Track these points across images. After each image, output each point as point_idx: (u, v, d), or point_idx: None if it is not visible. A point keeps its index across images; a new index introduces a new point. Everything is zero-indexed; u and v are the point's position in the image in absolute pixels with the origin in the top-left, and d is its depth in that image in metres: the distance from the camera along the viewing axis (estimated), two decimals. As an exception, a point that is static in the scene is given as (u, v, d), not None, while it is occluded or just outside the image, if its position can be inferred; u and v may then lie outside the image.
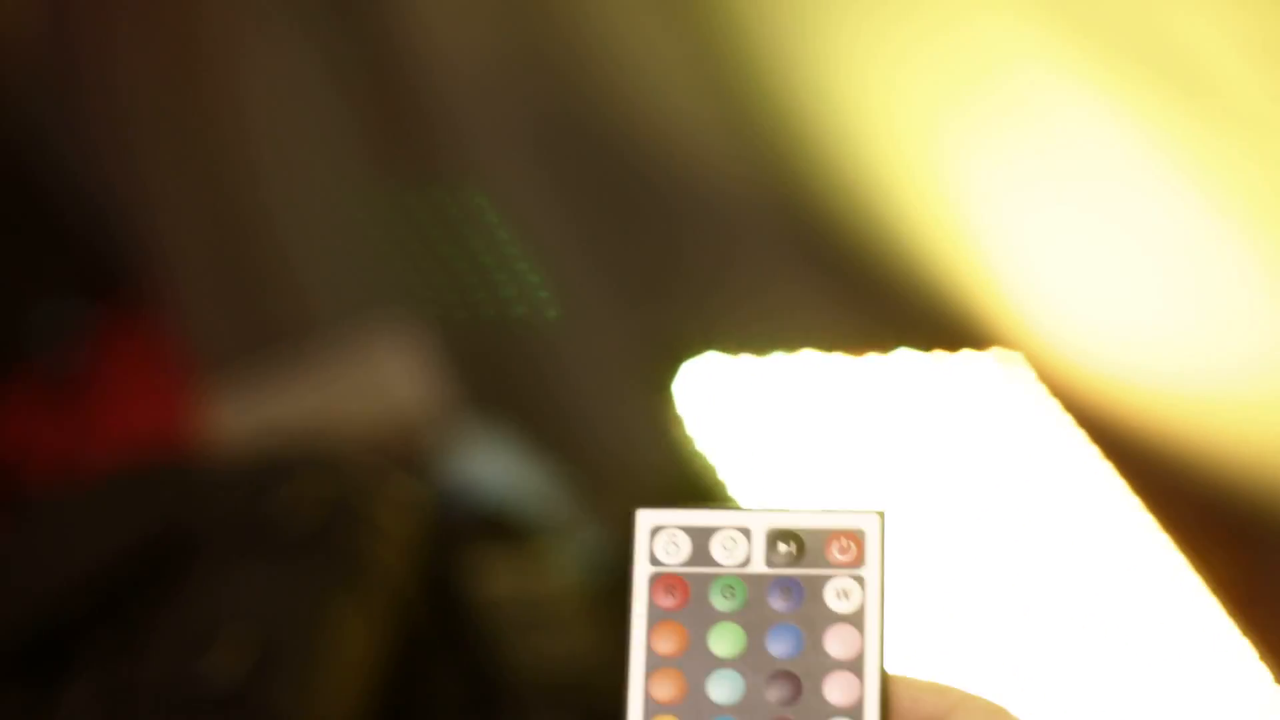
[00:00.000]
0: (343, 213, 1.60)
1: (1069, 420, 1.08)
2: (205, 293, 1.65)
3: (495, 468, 1.33)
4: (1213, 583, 0.91)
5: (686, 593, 0.53)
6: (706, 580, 0.53)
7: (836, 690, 0.52)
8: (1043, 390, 1.11)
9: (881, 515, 0.54)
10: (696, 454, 1.18)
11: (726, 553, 0.54)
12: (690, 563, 0.54)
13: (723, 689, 0.52)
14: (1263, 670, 0.84)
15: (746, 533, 0.54)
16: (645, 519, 0.54)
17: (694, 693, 0.52)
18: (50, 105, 1.69)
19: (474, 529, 1.24)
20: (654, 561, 0.54)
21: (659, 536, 0.54)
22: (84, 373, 1.65)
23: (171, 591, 1.13)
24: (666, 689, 0.52)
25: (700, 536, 0.54)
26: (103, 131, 1.68)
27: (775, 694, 0.52)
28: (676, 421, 1.19)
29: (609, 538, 1.31)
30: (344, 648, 1.10)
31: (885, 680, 0.52)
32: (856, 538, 0.54)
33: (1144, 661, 0.91)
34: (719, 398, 1.19)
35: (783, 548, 0.54)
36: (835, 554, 0.54)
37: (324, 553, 1.13)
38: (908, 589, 1.00)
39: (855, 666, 0.52)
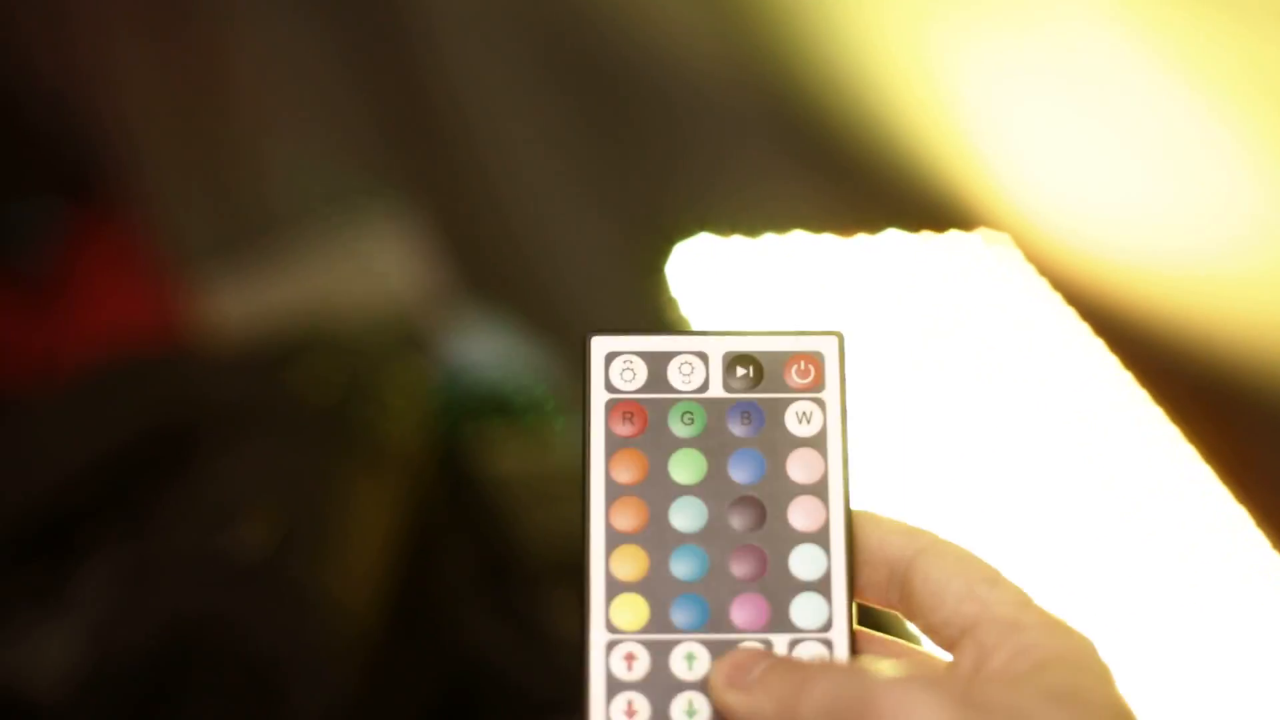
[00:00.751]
0: (326, 102, 1.59)
1: (1058, 299, 1.10)
2: (187, 188, 1.64)
3: (492, 350, 1.34)
4: (1207, 453, 0.93)
5: (645, 419, 0.53)
6: (665, 406, 0.53)
7: (801, 515, 0.52)
8: (1031, 269, 1.13)
9: (840, 336, 0.54)
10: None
11: (684, 378, 0.53)
12: (647, 389, 0.53)
13: (685, 516, 0.52)
14: (1259, 537, 0.87)
15: (704, 357, 0.53)
16: (600, 345, 0.54)
17: (656, 520, 0.52)
18: (23, 9, 1.66)
19: (478, 408, 1.25)
20: (610, 388, 0.53)
21: (614, 363, 0.53)
22: (60, 271, 1.64)
23: (183, 472, 1.14)
24: (628, 518, 0.52)
25: (657, 362, 0.53)
26: (76, 31, 1.65)
27: (739, 520, 0.52)
28: (670, 302, 1.20)
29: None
30: (361, 523, 1.11)
31: (849, 504, 0.52)
32: (815, 360, 0.53)
33: (1141, 531, 0.93)
34: (711, 278, 1.20)
35: (740, 371, 0.53)
36: (794, 377, 0.53)
37: (338, 430, 1.14)
38: (896, 463, 1.02)
39: (819, 491, 0.52)
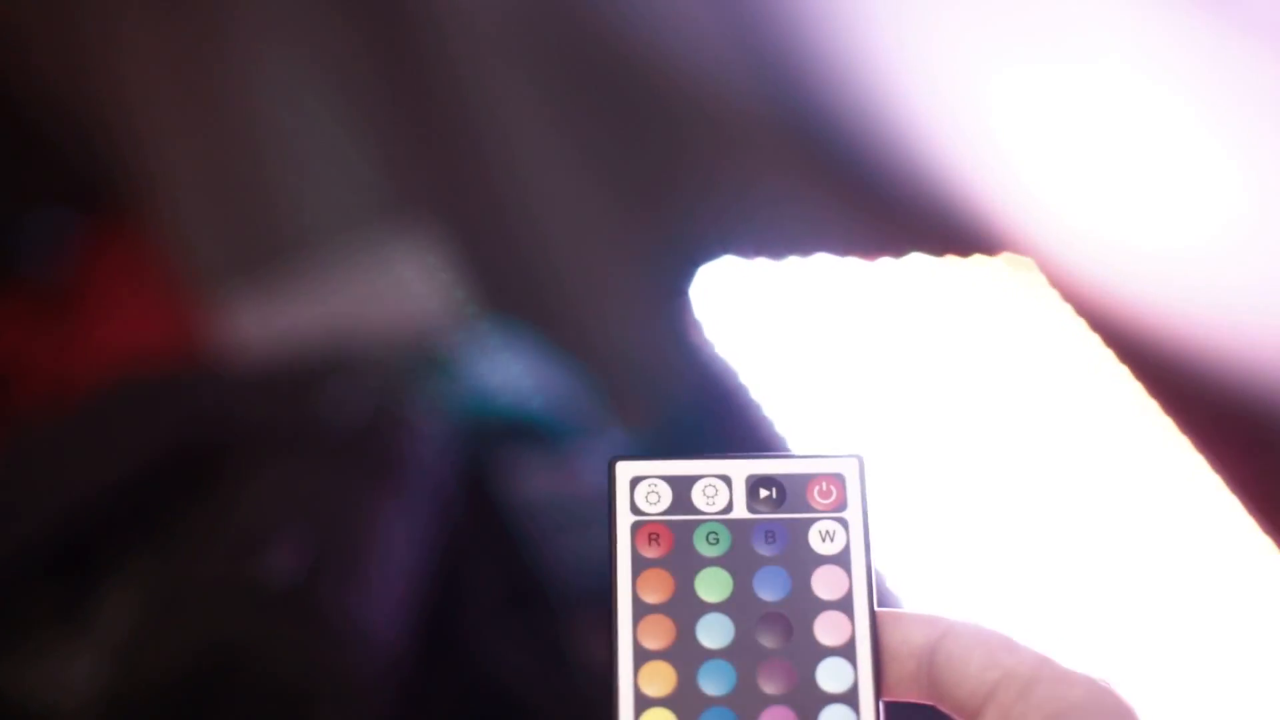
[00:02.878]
0: (349, 122, 1.60)
1: (1081, 324, 1.11)
2: (206, 206, 1.64)
3: (516, 372, 1.34)
4: (1233, 483, 0.93)
5: (670, 540, 0.53)
6: (690, 527, 0.53)
7: (827, 630, 0.52)
8: (1054, 295, 1.14)
9: (860, 459, 0.54)
10: (714, 357, 1.20)
11: (708, 500, 0.53)
12: (672, 511, 0.53)
13: (713, 633, 0.52)
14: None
15: (727, 480, 0.54)
16: (624, 470, 0.54)
17: (684, 637, 0.52)
18: (38, 19, 1.66)
19: (503, 431, 1.25)
20: (635, 510, 0.53)
21: (639, 487, 0.54)
22: (78, 287, 1.64)
23: (208, 495, 1.14)
24: (656, 636, 0.52)
25: (681, 485, 0.54)
26: (93, 44, 1.66)
27: (766, 636, 0.52)
28: (694, 325, 1.20)
29: (633, 440, 1.32)
30: (387, 548, 1.11)
31: (875, 618, 0.52)
32: (837, 481, 0.54)
33: (1166, 561, 0.93)
34: (735, 301, 1.20)
35: (763, 493, 0.54)
36: (816, 498, 0.54)
37: (367, 453, 1.14)
38: (923, 489, 1.02)
39: (844, 606, 0.52)
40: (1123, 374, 1.05)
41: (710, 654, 0.52)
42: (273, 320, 1.51)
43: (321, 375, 1.19)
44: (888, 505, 0.99)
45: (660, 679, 0.52)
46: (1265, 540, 0.89)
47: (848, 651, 0.52)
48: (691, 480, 0.54)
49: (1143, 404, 1.02)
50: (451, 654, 1.14)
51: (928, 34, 1.23)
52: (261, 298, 1.55)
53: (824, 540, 0.53)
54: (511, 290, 1.54)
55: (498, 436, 1.24)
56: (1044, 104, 1.16)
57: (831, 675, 0.52)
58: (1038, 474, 1.01)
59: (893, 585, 0.94)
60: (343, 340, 1.31)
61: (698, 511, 0.54)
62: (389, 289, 1.51)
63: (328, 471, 1.13)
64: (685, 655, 0.52)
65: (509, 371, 1.33)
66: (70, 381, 1.56)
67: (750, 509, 0.54)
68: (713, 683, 0.52)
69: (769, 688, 0.52)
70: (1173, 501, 0.96)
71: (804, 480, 0.54)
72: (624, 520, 0.53)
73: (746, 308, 1.19)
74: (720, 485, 0.54)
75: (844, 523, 0.54)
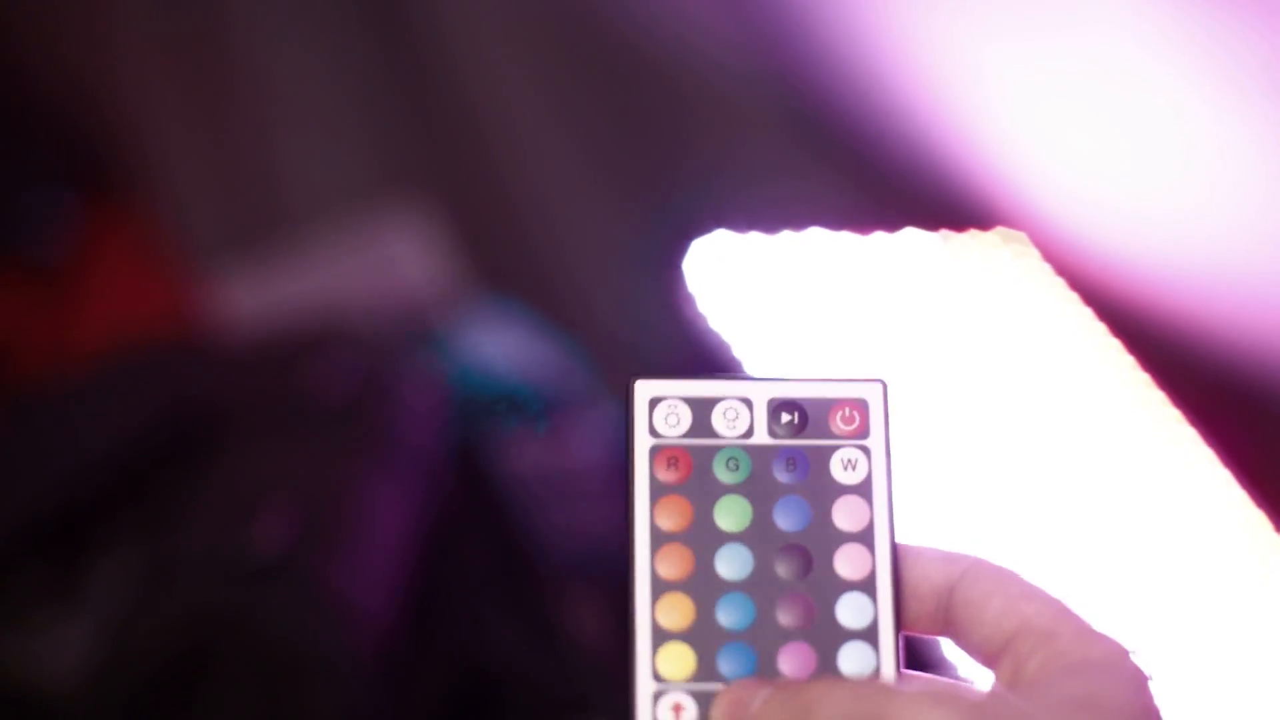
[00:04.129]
0: (342, 96, 1.59)
1: (1075, 298, 1.10)
2: (201, 180, 1.64)
3: (508, 346, 1.33)
4: (1226, 455, 0.93)
5: (689, 465, 0.52)
6: (709, 452, 0.52)
7: (847, 563, 0.51)
8: (1048, 269, 1.13)
9: (884, 384, 0.53)
10: (707, 331, 1.19)
11: (728, 424, 0.52)
12: (691, 434, 0.52)
13: (731, 564, 0.51)
14: (1279, 540, 0.87)
15: (748, 403, 0.53)
16: (644, 390, 0.53)
17: (702, 568, 0.51)
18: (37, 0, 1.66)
19: (494, 405, 1.24)
20: (654, 433, 0.52)
21: (658, 408, 0.52)
22: (73, 263, 1.63)
23: (200, 467, 1.13)
24: (673, 565, 0.51)
25: (701, 408, 0.52)
26: (89, 21, 1.65)
27: (785, 568, 0.51)
28: (687, 299, 1.20)
29: (626, 414, 1.32)
30: (378, 520, 1.11)
31: (895, 550, 0.51)
32: (860, 407, 0.53)
33: (1158, 534, 0.93)
34: (728, 275, 1.20)
35: (785, 418, 0.52)
36: (839, 424, 0.53)
37: (356, 426, 1.13)
38: (916, 465, 1.02)
39: (865, 538, 0.51)
40: (1116, 348, 1.05)
41: (729, 586, 0.51)
42: (266, 295, 1.50)
43: (312, 349, 1.18)
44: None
45: (678, 611, 0.51)
46: (1258, 513, 0.89)
47: (868, 586, 0.51)
48: (712, 402, 0.53)
49: (1136, 378, 1.02)
50: (440, 627, 1.14)
51: (921, 6, 1.23)
52: (255, 272, 1.55)
53: (846, 469, 0.52)
54: (504, 264, 1.54)
55: (488, 410, 1.24)
56: (1038, 76, 1.15)
57: (851, 611, 0.51)
58: (1032, 450, 1.01)
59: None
60: (334, 314, 1.30)
61: (718, 436, 0.52)
62: (381, 264, 1.50)
63: (317, 445, 1.13)
64: (703, 587, 0.51)
65: (501, 345, 1.33)
66: (65, 358, 1.55)
67: (771, 434, 0.53)
68: (731, 616, 0.51)
69: (788, 623, 0.51)
70: (1167, 475, 0.95)
71: (827, 405, 0.53)
72: (642, 443, 0.52)
73: (740, 282, 1.19)
74: (741, 408, 0.53)
75: (866, 450, 0.53)
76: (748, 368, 1.15)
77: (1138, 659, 0.48)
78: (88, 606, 1.12)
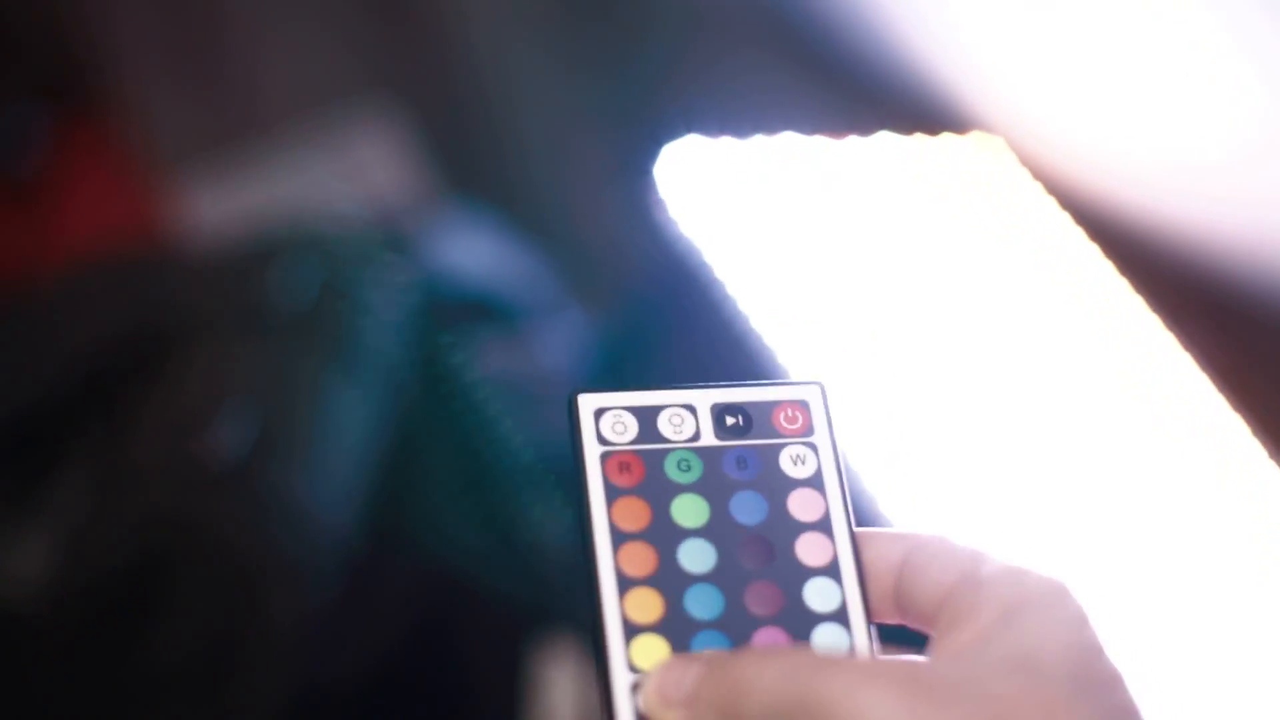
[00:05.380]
0: (310, 3, 1.57)
1: (1052, 202, 1.09)
2: (169, 90, 1.62)
3: (477, 252, 1.32)
4: (1203, 360, 0.92)
5: (642, 469, 0.53)
6: (660, 455, 0.53)
7: (809, 552, 0.52)
8: (1025, 173, 1.12)
9: (821, 386, 0.54)
10: (678, 236, 1.18)
11: (675, 429, 0.53)
12: (640, 440, 0.53)
13: (696, 558, 0.52)
14: (1257, 446, 0.86)
15: (692, 409, 0.54)
16: (587, 403, 0.53)
17: (666, 563, 0.51)
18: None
19: (461, 311, 1.23)
20: (603, 441, 0.53)
21: (604, 418, 0.53)
22: (40, 174, 1.62)
23: (161, 375, 1.12)
24: (637, 563, 0.51)
25: (646, 415, 0.53)
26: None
27: (749, 559, 0.52)
28: (657, 204, 1.19)
29: (595, 320, 1.31)
30: (341, 426, 1.10)
31: (854, 536, 0.52)
32: (801, 408, 0.54)
33: (1134, 439, 0.92)
34: (700, 180, 1.19)
35: (730, 420, 0.54)
36: (783, 423, 0.54)
37: (316, 333, 1.12)
38: (885, 371, 1.01)
39: (824, 527, 0.52)
40: (1094, 252, 1.04)
41: (695, 578, 0.51)
42: (234, 203, 1.49)
43: (275, 256, 1.17)
44: (859, 413, 0.98)
45: (647, 605, 0.51)
46: (1235, 417, 0.88)
47: (832, 571, 0.52)
48: (656, 410, 0.54)
49: (1114, 282, 1.01)
50: (403, 535, 1.13)
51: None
52: (224, 181, 1.53)
53: (795, 464, 0.53)
54: (472, 170, 1.52)
55: (455, 316, 1.22)
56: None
57: (819, 595, 0.51)
58: (1007, 353, 1.00)
59: (876, 507, 0.93)
60: (300, 222, 1.28)
61: (666, 440, 0.53)
62: (350, 170, 1.49)
63: (278, 352, 1.11)
64: (670, 580, 0.51)
65: (468, 252, 1.31)
66: (35, 270, 1.54)
67: (719, 436, 0.53)
68: (701, 606, 0.51)
69: (758, 609, 0.51)
70: (1143, 380, 0.94)
71: (769, 407, 0.54)
72: (592, 451, 0.53)
73: (711, 187, 1.17)
74: (686, 414, 0.54)
75: (813, 447, 0.53)
76: (720, 277, 1.14)
77: (1076, 593, 0.47)
78: (48, 515, 1.10)
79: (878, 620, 0.51)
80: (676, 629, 0.50)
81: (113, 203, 1.63)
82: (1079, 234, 1.05)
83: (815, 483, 0.53)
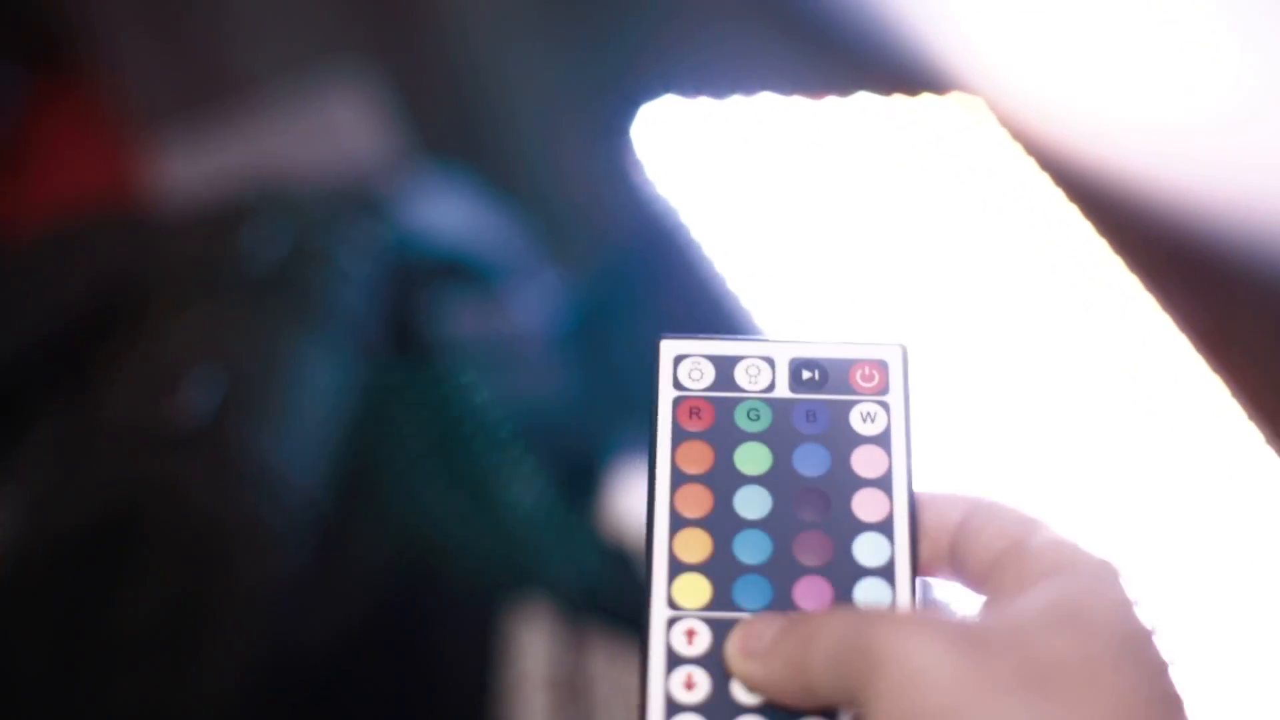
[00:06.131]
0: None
1: (1032, 164, 1.08)
2: (145, 49, 1.60)
3: (453, 212, 1.31)
4: (1183, 322, 0.92)
5: (712, 415, 0.54)
6: (731, 404, 0.54)
7: (865, 507, 0.53)
8: (1004, 134, 1.11)
9: (904, 348, 0.55)
10: (655, 197, 1.17)
11: (750, 379, 0.54)
12: (715, 388, 0.54)
13: (751, 504, 0.53)
14: (1235, 406, 0.86)
15: (770, 362, 0.55)
16: (669, 348, 0.55)
17: (721, 507, 0.53)
18: None
19: (434, 272, 1.22)
20: (678, 386, 0.54)
21: (682, 364, 0.55)
22: (20, 136, 1.61)
23: (129, 336, 1.11)
24: (693, 504, 0.53)
25: (724, 365, 0.55)
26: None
27: (804, 510, 0.53)
28: (634, 165, 1.18)
29: (570, 281, 1.30)
30: (310, 387, 1.09)
31: (913, 497, 0.53)
32: (879, 368, 0.55)
33: (1115, 401, 0.92)
34: (677, 140, 1.18)
35: (806, 375, 0.54)
36: (859, 381, 0.54)
37: (286, 293, 1.11)
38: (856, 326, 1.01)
39: (884, 484, 0.53)
40: (1073, 213, 1.03)
41: (747, 524, 0.52)
42: (208, 163, 1.48)
43: (247, 217, 1.16)
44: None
45: (696, 545, 0.52)
46: (1214, 378, 0.88)
47: (885, 528, 0.52)
48: (735, 360, 0.55)
49: (1093, 244, 1.01)
50: (374, 497, 1.13)
51: None
52: (197, 142, 1.52)
53: (865, 421, 0.54)
54: (448, 131, 1.51)
55: (429, 276, 1.21)
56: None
57: (868, 550, 0.52)
58: (985, 315, 1.00)
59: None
60: (272, 181, 1.27)
61: (740, 390, 0.54)
62: (324, 130, 1.48)
63: (247, 312, 1.11)
64: (722, 524, 0.52)
65: (443, 212, 1.30)
66: (7, 231, 1.53)
67: (792, 389, 0.54)
68: (748, 551, 0.52)
69: (805, 559, 0.52)
70: (1121, 341, 0.94)
71: (847, 365, 0.55)
72: (666, 394, 0.54)
73: (688, 148, 1.17)
74: (763, 366, 0.55)
75: (885, 405, 0.54)
76: (697, 237, 1.14)
77: (1126, 577, 0.48)
78: (16, 473, 1.09)
79: (932, 577, 0.52)
80: (720, 571, 0.52)
81: (86, 163, 1.62)
82: (1058, 195, 1.04)
83: (882, 440, 0.54)
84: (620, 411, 1.14)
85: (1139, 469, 0.89)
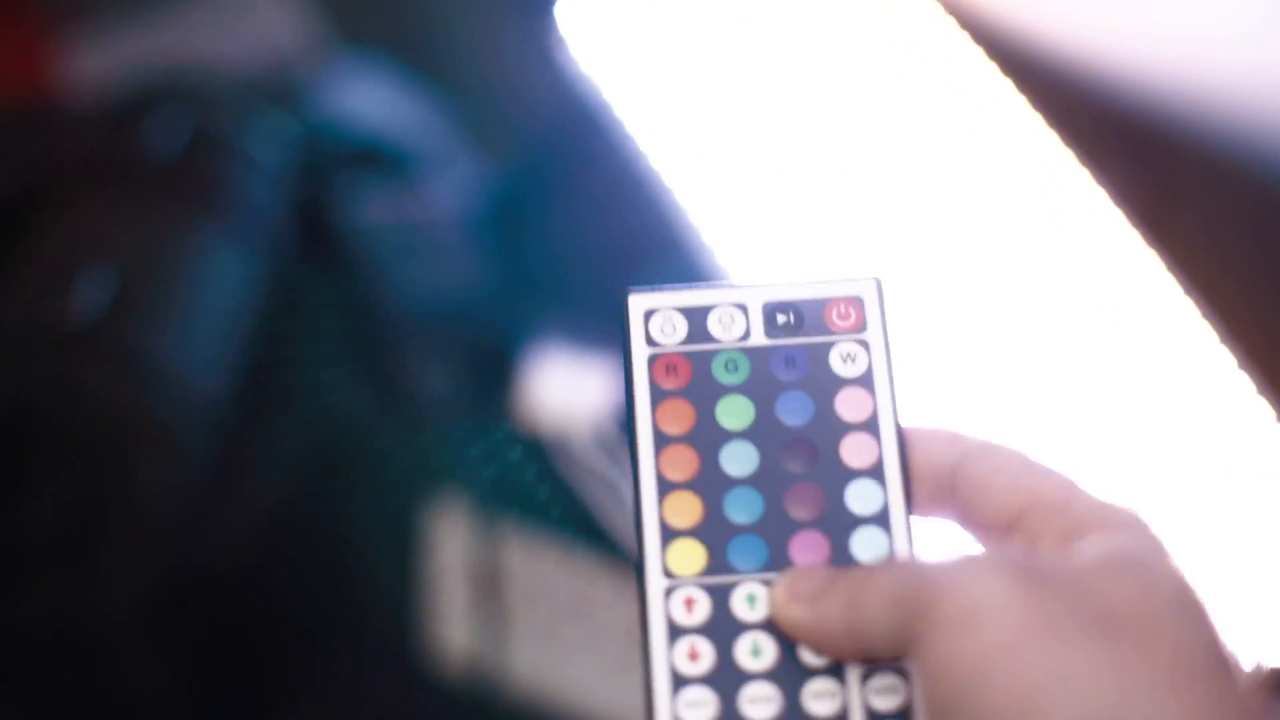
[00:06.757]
0: None
1: (966, 36, 1.06)
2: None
3: (371, 99, 1.28)
4: (1118, 196, 0.89)
5: (689, 370, 0.53)
6: (708, 357, 0.53)
7: (853, 452, 0.52)
8: (938, 6, 1.08)
9: (878, 281, 0.54)
10: (580, 78, 1.14)
11: (724, 329, 0.53)
12: (688, 341, 0.53)
13: (738, 461, 0.52)
14: (1170, 280, 0.84)
15: (743, 308, 0.54)
16: (638, 303, 0.54)
17: (708, 467, 0.52)
18: None
19: (350, 160, 1.19)
20: (651, 343, 0.53)
21: (654, 319, 0.53)
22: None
23: (25, 234, 1.08)
24: (679, 467, 0.52)
25: (696, 316, 0.54)
26: None
27: (792, 461, 0.52)
28: (558, 43, 1.14)
29: (488, 167, 1.27)
30: (213, 282, 1.06)
31: (901, 438, 0.52)
32: (855, 304, 0.54)
33: (1051, 279, 0.90)
34: (603, 18, 1.15)
35: (781, 319, 0.53)
36: (835, 320, 0.53)
37: (189, 185, 1.08)
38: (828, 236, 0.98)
39: (870, 427, 0.52)
40: (1006, 86, 1.00)
41: (736, 482, 0.52)
42: (122, 53, 1.44)
43: (150, 106, 1.12)
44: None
45: (686, 509, 0.51)
46: (1149, 252, 0.86)
47: (876, 473, 0.52)
48: (707, 310, 0.54)
49: (1028, 118, 0.98)
50: (284, 395, 1.10)
51: None
52: (112, 31, 1.48)
53: (845, 362, 0.53)
54: (363, 12, 1.48)
55: (343, 165, 1.18)
56: None
57: (861, 497, 0.51)
58: (917, 191, 0.98)
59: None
60: (181, 70, 1.23)
61: (715, 341, 0.53)
62: (241, 17, 1.44)
63: (147, 205, 1.07)
64: (710, 484, 0.52)
65: (358, 98, 1.27)
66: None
67: (769, 335, 0.53)
68: (740, 510, 0.51)
69: (798, 513, 0.51)
70: (1056, 217, 0.92)
71: (821, 304, 0.54)
72: (640, 353, 0.53)
73: (614, 25, 1.14)
74: (736, 313, 0.54)
75: (864, 344, 0.53)
76: (622, 117, 1.11)
77: (1156, 528, 0.48)
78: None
79: (925, 515, 0.52)
80: (714, 533, 0.51)
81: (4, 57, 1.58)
82: (992, 68, 1.01)
83: (865, 381, 0.53)
84: (536, 301, 1.11)
85: (1074, 342, 0.87)
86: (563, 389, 1.08)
